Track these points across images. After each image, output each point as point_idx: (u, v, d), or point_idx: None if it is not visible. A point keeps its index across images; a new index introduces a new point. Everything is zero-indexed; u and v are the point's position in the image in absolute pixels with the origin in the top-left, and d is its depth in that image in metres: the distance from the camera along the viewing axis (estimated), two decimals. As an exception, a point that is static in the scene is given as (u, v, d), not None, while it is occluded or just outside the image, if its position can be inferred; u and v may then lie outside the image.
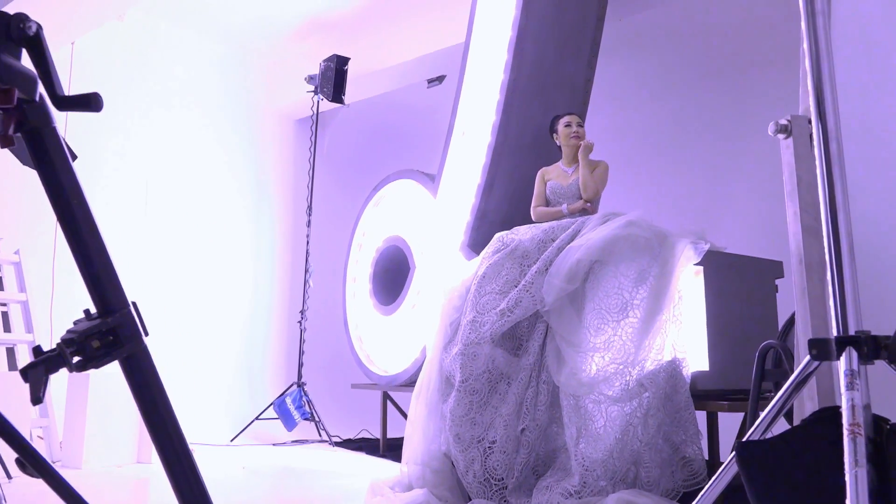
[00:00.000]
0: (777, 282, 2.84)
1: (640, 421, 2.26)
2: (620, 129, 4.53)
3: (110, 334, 0.65)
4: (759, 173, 3.95)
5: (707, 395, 2.51)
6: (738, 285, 2.71)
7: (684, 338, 2.40)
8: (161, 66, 5.10)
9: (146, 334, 0.67)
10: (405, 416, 2.93)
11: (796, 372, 0.89)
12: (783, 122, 1.20)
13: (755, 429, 0.92)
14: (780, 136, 1.22)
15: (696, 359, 2.48)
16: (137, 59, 4.98)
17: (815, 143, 0.86)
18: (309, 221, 4.91)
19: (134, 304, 0.69)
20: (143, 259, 4.75)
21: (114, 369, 0.72)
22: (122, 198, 4.80)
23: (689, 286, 2.51)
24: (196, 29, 5.26)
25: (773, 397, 0.96)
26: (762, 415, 0.94)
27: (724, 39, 4.38)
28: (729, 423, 2.69)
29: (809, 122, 1.20)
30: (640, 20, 4.39)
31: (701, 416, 2.42)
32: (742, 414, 2.46)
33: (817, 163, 0.86)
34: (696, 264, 2.50)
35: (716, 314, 2.57)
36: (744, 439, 0.90)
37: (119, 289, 0.68)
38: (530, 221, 3.11)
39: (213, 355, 5.15)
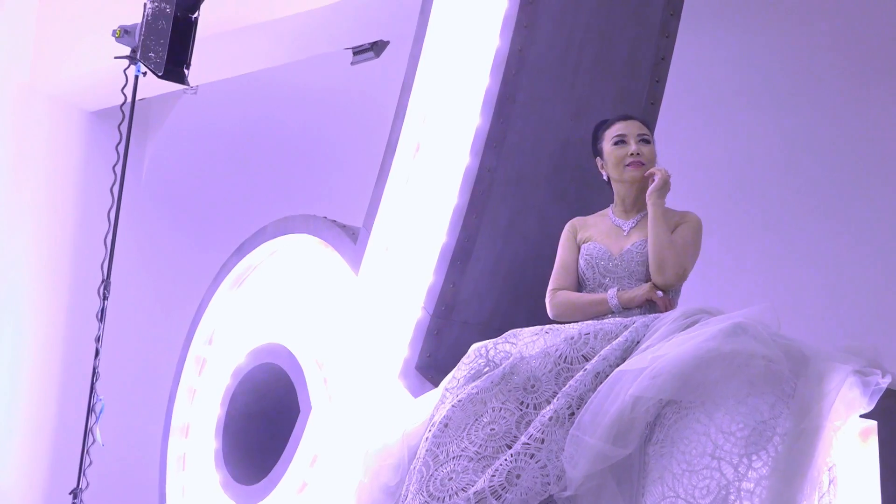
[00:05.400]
0: None
1: None
2: (703, 152, 4.60)
3: None
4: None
5: None
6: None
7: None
8: None
9: None
10: None
11: None
12: None
13: None
14: None
15: None
16: None
17: None
18: (103, 310, 4.81)
19: None
20: None
21: None
22: None
23: (849, 458, 2.53)
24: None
25: None
26: None
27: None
28: None
29: None
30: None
31: None
32: None
33: None
34: (864, 416, 2.53)
35: (901, 514, 2.57)
36: None
37: None
38: (540, 321, 3.12)
39: None
